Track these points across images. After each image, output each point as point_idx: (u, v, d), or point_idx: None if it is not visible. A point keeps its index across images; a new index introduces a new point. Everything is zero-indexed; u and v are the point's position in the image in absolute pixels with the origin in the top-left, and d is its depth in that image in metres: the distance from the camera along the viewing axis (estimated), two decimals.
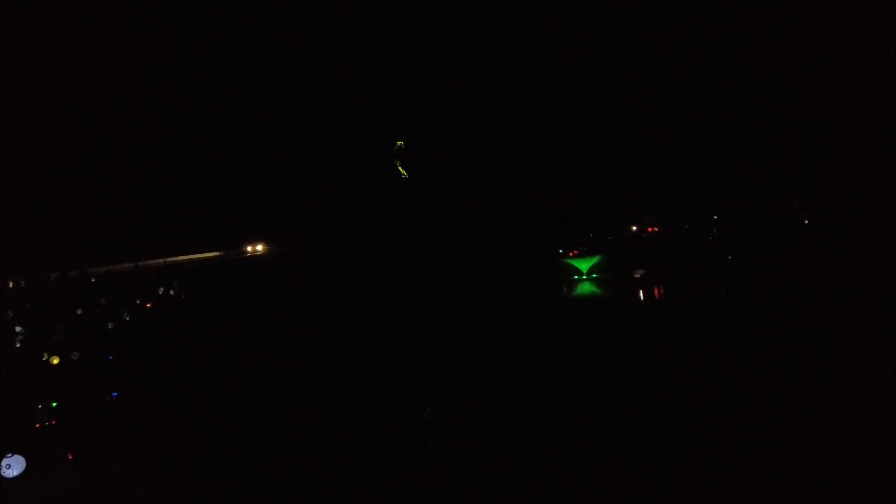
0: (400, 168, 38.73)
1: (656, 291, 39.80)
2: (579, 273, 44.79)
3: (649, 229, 46.87)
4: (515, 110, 45.36)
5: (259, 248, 38.36)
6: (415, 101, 43.16)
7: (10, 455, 13.66)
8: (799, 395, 15.75)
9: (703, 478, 12.06)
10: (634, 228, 46.94)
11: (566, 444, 14.74)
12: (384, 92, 42.46)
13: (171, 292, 31.36)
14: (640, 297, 38.91)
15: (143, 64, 35.27)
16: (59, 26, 31.37)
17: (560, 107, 44.91)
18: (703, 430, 14.39)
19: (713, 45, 41.08)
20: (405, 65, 42.66)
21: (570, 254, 45.49)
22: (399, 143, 38.64)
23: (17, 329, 22.13)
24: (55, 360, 21.53)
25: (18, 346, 21.82)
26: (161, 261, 34.08)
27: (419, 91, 43.20)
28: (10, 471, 13.47)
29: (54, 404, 18.99)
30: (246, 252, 37.83)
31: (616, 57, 43.21)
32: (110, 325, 25.55)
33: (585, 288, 42.79)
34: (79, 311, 25.65)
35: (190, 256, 35.96)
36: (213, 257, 36.67)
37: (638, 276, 43.00)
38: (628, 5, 41.87)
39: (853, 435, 12.80)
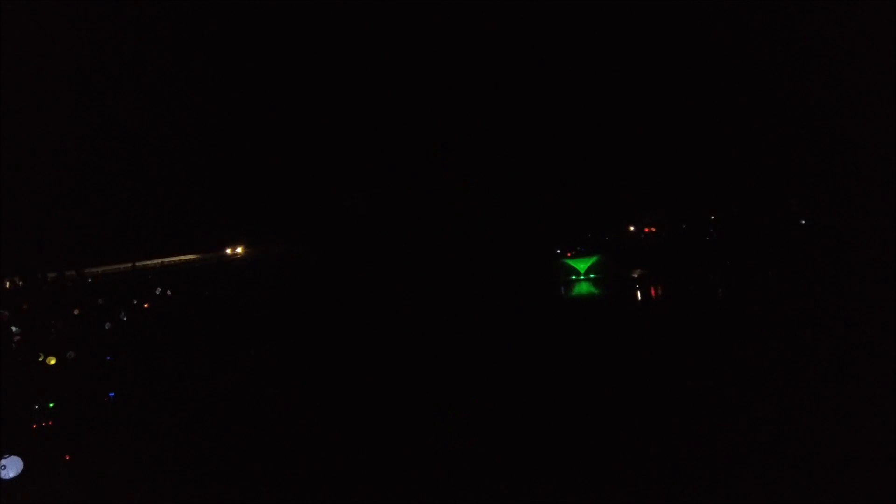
0: None
1: (654, 291, 39.78)
2: (577, 273, 44.78)
3: (647, 229, 46.91)
4: (514, 111, 45.44)
5: (256, 248, 38.28)
6: (414, 102, 43.17)
7: (6, 456, 13.53)
8: (796, 394, 15.74)
9: (701, 477, 12.05)
10: (632, 228, 47.00)
11: (563, 442, 14.72)
12: (384, 92, 42.45)
13: (169, 293, 31.28)
14: (637, 298, 38.88)
15: (138, 67, 35.27)
16: (58, 32, 31.35)
17: (559, 108, 45.01)
18: (700, 429, 14.39)
19: (712, 46, 41.17)
20: (405, 65, 42.66)
21: (568, 254, 45.48)
22: None
23: (14, 329, 22.02)
24: (51, 361, 21.42)
25: (15, 346, 21.71)
26: (158, 261, 34.02)
27: (419, 91, 43.21)
28: (6, 472, 13.35)
29: (51, 405, 18.88)
30: (243, 252, 37.75)
31: (615, 58, 43.29)
32: (107, 326, 25.45)
33: (583, 288, 42.75)
34: (76, 312, 25.56)
35: (187, 257, 35.91)
36: (211, 258, 36.61)
37: (636, 276, 42.98)
38: (628, 6, 41.95)
39: (852, 434, 12.79)
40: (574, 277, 44.58)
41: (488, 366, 22.50)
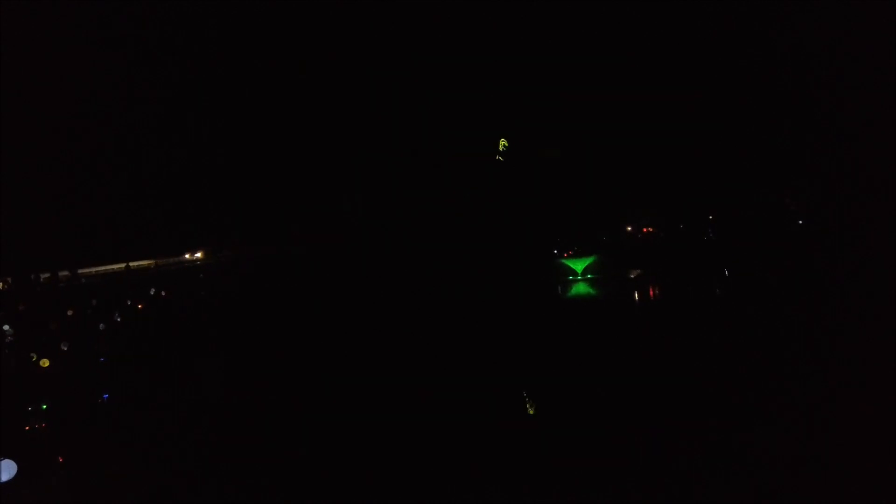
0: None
1: (652, 292, 39.74)
2: (574, 273, 44.72)
3: (644, 230, 46.98)
4: (512, 112, 45.50)
5: (253, 249, 38.17)
6: (412, 102, 43.15)
7: (1, 459, 13.28)
8: (795, 394, 15.69)
9: (698, 479, 11.97)
10: (630, 229, 47.05)
11: (561, 443, 14.64)
12: (381, 92, 42.41)
13: (163, 293, 31.08)
14: (635, 298, 38.83)
15: (133, 70, 35.22)
16: (57, 34, 31.27)
17: (556, 108, 45.07)
18: (698, 430, 14.31)
19: (709, 47, 41.31)
20: (403, 65, 42.63)
21: (566, 254, 45.44)
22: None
23: (6, 328, 21.81)
24: (45, 363, 21.20)
25: (8, 347, 21.50)
26: (152, 262, 33.83)
27: (417, 91, 43.19)
28: (0, 476, 13.09)
29: (45, 406, 18.70)
30: (240, 253, 37.62)
31: (612, 58, 43.38)
32: (101, 327, 25.24)
33: (580, 288, 42.69)
34: (69, 312, 25.32)
35: (182, 258, 35.76)
36: (207, 258, 36.47)
37: (633, 276, 42.92)
38: (626, 6, 42.06)
39: (849, 435, 12.72)
40: (571, 277, 44.53)
41: (485, 366, 22.43)
